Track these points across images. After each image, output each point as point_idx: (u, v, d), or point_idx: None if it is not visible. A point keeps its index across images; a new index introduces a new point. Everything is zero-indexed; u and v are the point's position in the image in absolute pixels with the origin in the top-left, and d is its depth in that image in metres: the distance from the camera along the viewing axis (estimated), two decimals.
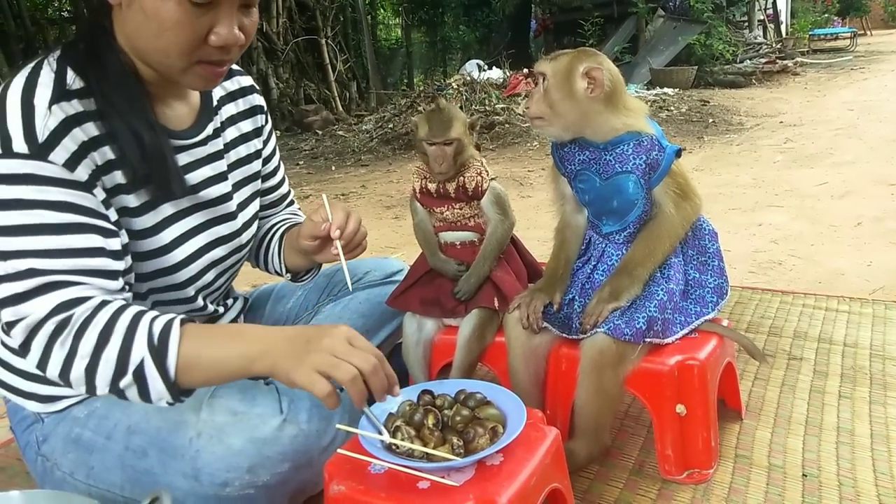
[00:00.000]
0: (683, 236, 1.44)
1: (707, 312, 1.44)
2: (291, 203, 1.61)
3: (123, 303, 1.07)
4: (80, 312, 1.03)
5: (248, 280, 2.49)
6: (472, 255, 1.55)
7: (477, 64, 9.53)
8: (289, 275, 1.49)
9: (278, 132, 7.78)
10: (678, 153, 1.41)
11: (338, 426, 1.13)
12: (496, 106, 7.36)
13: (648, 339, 1.36)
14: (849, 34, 15.52)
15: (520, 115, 7.20)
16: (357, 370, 0.99)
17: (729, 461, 1.45)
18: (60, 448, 1.24)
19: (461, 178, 1.52)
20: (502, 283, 1.53)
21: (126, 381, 1.03)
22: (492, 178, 1.55)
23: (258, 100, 1.44)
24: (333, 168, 6.36)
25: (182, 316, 1.09)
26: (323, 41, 9.64)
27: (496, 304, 1.51)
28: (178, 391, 1.05)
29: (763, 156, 5.16)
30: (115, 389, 1.04)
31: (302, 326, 1.09)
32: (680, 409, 1.37)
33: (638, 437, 1.56)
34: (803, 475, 1.39)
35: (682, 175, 1.42)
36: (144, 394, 1.04)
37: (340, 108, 9.54)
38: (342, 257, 1.28)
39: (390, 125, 7.61)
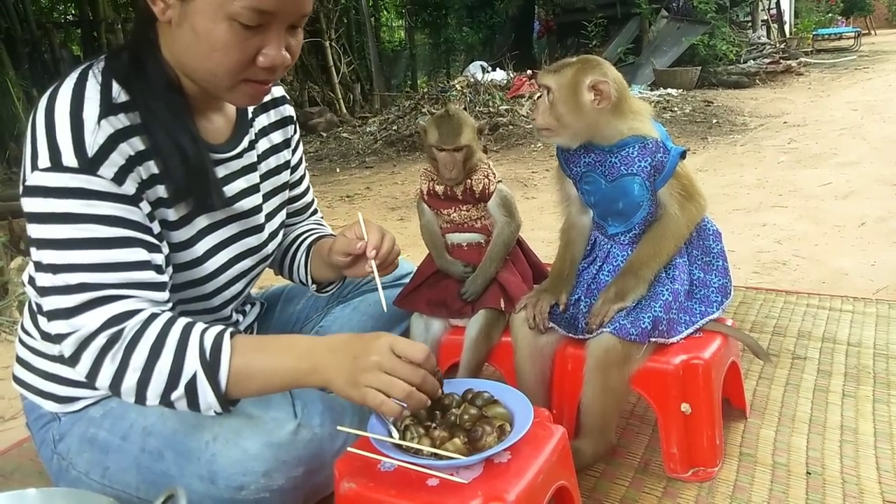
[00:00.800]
0: (688, 237, 1.45)
1: (711, 312, 1.46)
2: (315, 212, 1.62)
3: (171, 314, 1.09)
4: (130, 326, 1.05)
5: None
6: (479, 257, 1.56)
7: (480, 65, 9.55)
8: (314, 286, 1.50)
9: None
10: (682, 155, 1.42)
11: (339, 428, 1.15)
12: (500, 107, 7.38)
13: (653, 339, 1.37)
14: (853, 34, 15.49)
15: (524, 116, 7.21)
16: (409, 385, 1.03)
17: (734, 459, 1.46)
18: (76, 447, 1.26)
19: (468, 180, 1.54)
20: (508, 284, 1.55)
21: (177, 393, 1.06)
22: (498, 181, 1.57)
23: (289, 110, 1.46)
24: (338, 170, 6.39)
25: (231, 329, 1.11)
26: (327, 44, 9.66)
27: (502, 304, 1.52)
28: (228, 402, 1.09)
29: (767, 156, 5.17)
30: (166, 402, 1.07)
31: (346, 338, 1.11)
32: (685, 407, 1.38)
33: (643, 435, 1.58)
34: (807, 473, 1.41)
35: (687, 176, 1.43)
36: (194, 405, 1.08)
37: (344, 111, 9.56)
38: (377, 278, 1.30)
39: (394, 127, 7.64)
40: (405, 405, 1.05)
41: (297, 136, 1.50)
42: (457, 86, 8.05)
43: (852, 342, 1.96)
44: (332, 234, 1.53)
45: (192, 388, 1.06)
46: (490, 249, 1.55)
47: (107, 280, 1.05)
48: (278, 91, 1.45)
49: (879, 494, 1.33)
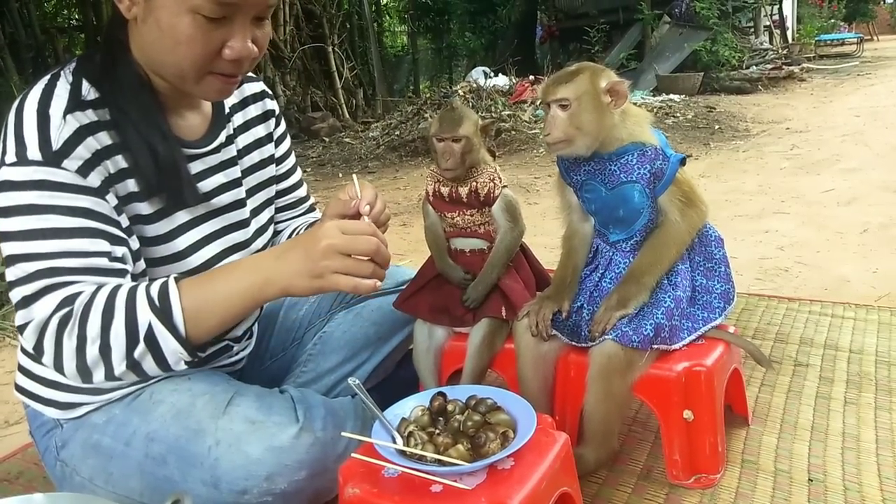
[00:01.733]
0: (690, 243, 1.46)
1: (714, 318, 1.46)
2: (313, 209, 1.63)
3: (117, 284, 1.09)
4: (79, 302, 1.06)
5: None
6: (482, 263, 1.57)
7: (483, 71, 9.58)
8: None
9: None
10: (683, 161, 1.43)
11: (343, 434, 1.16)
12: (502, 113, 7.39)
13: (656, 346, 1.38)
14: (855, 40, 15.51)
15: (526, 122, 7.23)
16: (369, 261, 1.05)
17: (736, 466, 1.47)
18: (80, 454, 1.27)
19: (474, 183, 1.53)
20: (511, 291, 1.55)
21: (140, 349, 1.06)
22: (504, 186, 1.56)
23: (270, 104, 1.47)
24: (341, 175, 6.40)
25: (175, 275, 1.11)
26: (330, 49, 9.69)
27: (503, 313, 1.53)
28: (192, 346, 1.09)
29: (769, 162, 5.17)
30: (132, 363, 1.07)
31: (288, 242, 1.12)
32: (687, 414, 1.39)
33: (646, 442, 1.58)
34: (809, 480, 1.41)
35: (688, 183, 1.44)
36: (160, 359, 1.08)
37: (347, 116, 9.58)
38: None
39: (397, 132, 7.66)
40: (378, 281, 1.06)
41: (280, 130, 1.50)
42: (459, 91, 8.07)
43: (854, 349, 1.96)
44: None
45: (151, 338, 1.06)
46: (492, 255, 1.56)
47: (63, 265, 1.06)
48: (258, 86, 1.46)
49: (881, 502, 1.33)
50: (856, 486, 1.38)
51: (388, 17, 13.97)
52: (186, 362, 1.10)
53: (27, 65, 8.15)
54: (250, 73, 1.43)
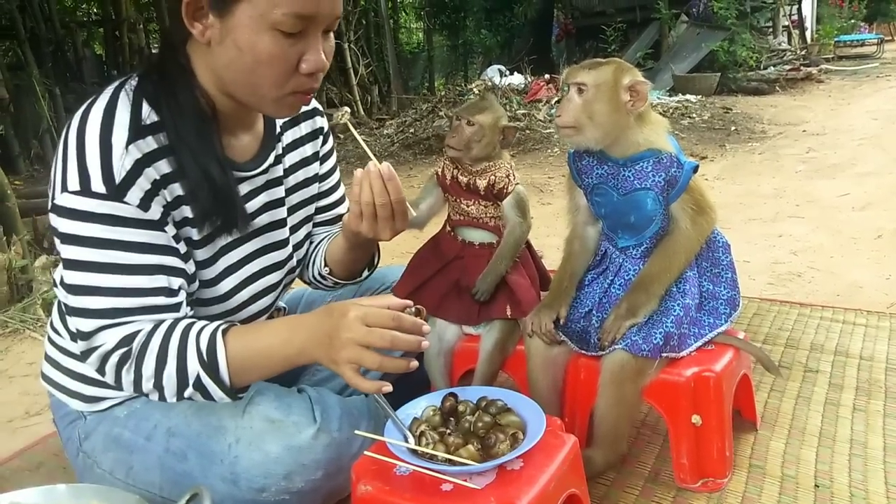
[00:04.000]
0: (699, 251, 1.47)
1: (720, 324, 1.47)
2: None
3: (171, 322, 1.15)
4: (136, 342, 1.13)
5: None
6: (489, 257, 1.57)
7: (498, 69, 9.58)
8: (326, 268, 1.49)
9: None
10: (695, 169, 1.43)
11: (357, 432, 1.19)
12: (517, 112, 7.39)
13: (665, 354, 1.39)
14: (875, 40, 15.31)
15: (541, 121, 7.22)
16: (380, 353, 1.07)
17: (743, 471, 1.48)
18: (101, 446, 1.30)
19: (492, 177, 1.55)
20: (517, 287, 1.55)
21: (189, 391, 1.16)
22: (517, 183, 1.58)
23: (321, 121, 1.48)
24: (356, 172, 6.42)
25: (223, 325, 1.16)
26: (345, 45, 9.72)
27: (508, 312, 1.54)
28: (237, 391, 1.18)
29: (785, 165, 5.15)
30: (183, 398, 1.17)
31: (321, 316, 1.14)
32: (696, 419, 1.40)
33: (654, 445, 1.60)
34: (816, 486, 1.42)
35: (699, 190, 1.44)
36: (208, 397, 1.17)
37: (362, 112, 9.61)
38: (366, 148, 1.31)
39: (411, 130, 7.68)
40: (385, 383, 1.09)
41: (328, 147, 1.51)
42: (474, 89, 8.07)
43: (865, 356, 1.97)
44: None
45: (200, 386, 1.15)
46: (501, 247, 1.56)
47: (124, 305, 1.12)
48: (312, 103, 1.46)
49: None
50: (862, 493, 1.39)
51: (404, 14, 13.97)
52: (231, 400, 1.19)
53: (47, 59, 8.23)
54: None
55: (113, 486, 1.27)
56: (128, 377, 1.14)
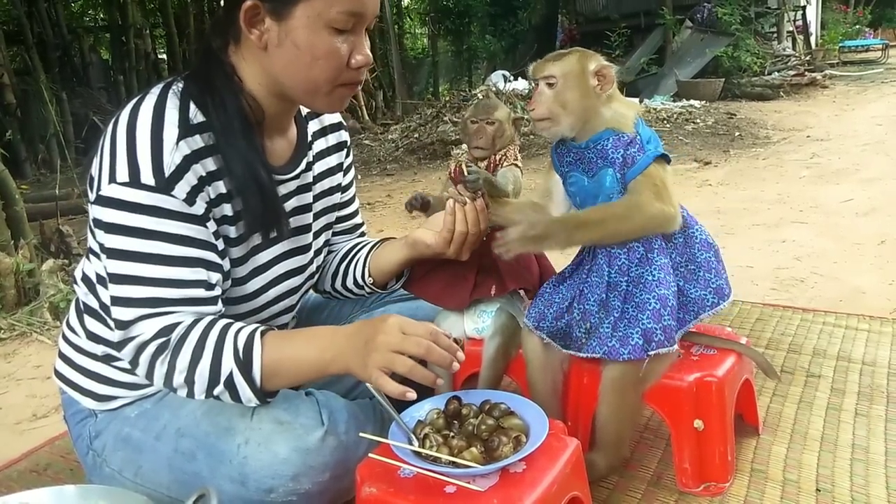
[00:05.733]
0: (644, 231, 1.39)
1: (689, 320, 1.43)
2: (363, 234, 1.68)
3: (211, 318, 1.18)
4: (175, 333, 1.15)
5: None
6: (490, 242, 1.55)
7: (503, 75, 9.61)
8: (370, 279, 1.53)
9: None
10: (667, 160, 1.40)
11: (362, 434, 1.20)
12: (521, 117, 7.40)
13: (653, 352, 1.35)
14: (880, 46, 15.33)
15: None
16: (412, 359, 1.10)
17: (745, 475, 1.49)
18: (111, 445, 1.32)
19: (495, 156, 1.60)
20: (503, 267, 1.54)
21: (219, 389, 1.17)
22: (515, 163, 1.61)
23: (344, 136, 1.54)
24: (359, 177, 6.45)
25: (262, 327, 1.19)
26: None
27: (492, 291, 1.54)
28: (265, 394, 1.19)
29: (789, 171, 5.16)
30: (211, 395, 1.18)
31: (360, 324, 1.20)
32: (698, 423, 1.41)
33: (657, 449, 1.61)
34: (817, 490, 1.43)
35: (661, 179, 1.38)
36: (236, 398, 1.18)
37: (367, 118, 9.65)
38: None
39: (416, 135, 7.71)
40: (409, 389, 1.11)
41: (349, 160, 1.57)
42: (478, 95, 8.09)
43: (867, 361, 1.97)
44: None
45: (231, 384, 1.16)
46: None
47: (165, 296, 1.15)
48: (336, 117, 1.52)
49: None
50: (863, 498, 1.40)
51: (408, 20, 14.03)
52: (257, 404, 1.21)
53: (54, 64, 8.30)
54: None
55: (121, 485, 1.29)
56: (161, 368, 1.15)
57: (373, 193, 5.55)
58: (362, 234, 1.68)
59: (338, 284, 1.59)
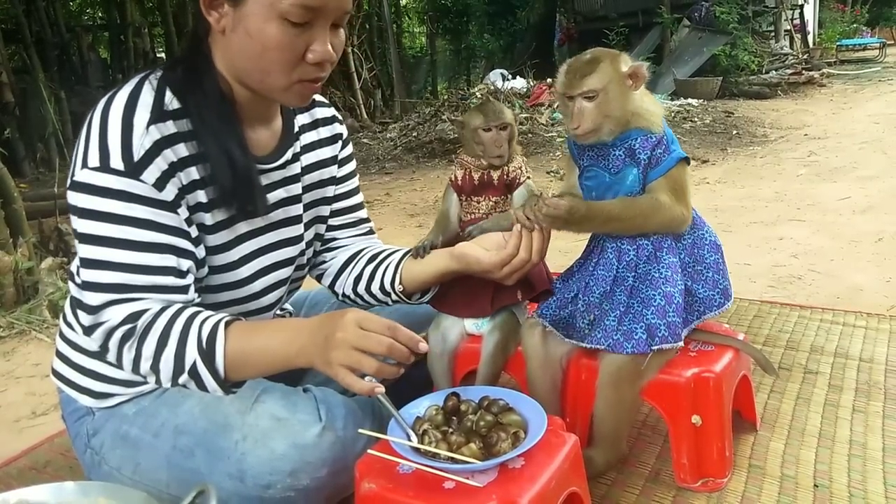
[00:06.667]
0: (660, 229, 1.42)
1: (690, 321, 1.45)
2: (372, 232, 1.65)
3: (179, 307, 1.17)
4: (142, 320, 1.15)
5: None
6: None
7: (501, 73, 9.62)
8: (400, 285, 1.48)
9: None
10: (687, 161, 1.42)
11: (360, 431, 1.20)
12: (520, 115, 7.41)
13: (656, 347, 1.36)
14: (878, 45, 15.35)
15: (543, 124, 7.25)
16: (376, 358, 1.09)
17: (743, 471, 1.49)
18: (109, 443, 1.32)
19: (506, 167, 1.57)
20: (531, 272, 1.54)
21: (184, 378, 1.16)
22: (528, 177, 1.60)
23: (339, 128, 1.53)
24: (358, 176, 6.45)
25: (227, 317, 1.18)
26: (349, 49, 9.77)
27: (520, 295, 1.54)
28: (230, 385, 1.19)
29: (786, 169, 5.17)
30: (177, 384, 1.18)
31: (322, 318, 1.17)
32: (695, 419, 1.42)
33: (654, 445, 1.62)
34: (815, 486, 1.44)
35: (681, 181, 1.41)
36: (202, 387, 1.18)
37: (365, 116, 9.66)
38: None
39: (414, 133, 7.72)
40: (378, 383, 1.11)
41: (346, 152, 1.56)
42: (477, 93, 8.10)
43: (864, 358, 1.98)
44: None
45: (195, 374, 1.16)
46: (514, 206, 1.54)
47: (133, 282, 1.15)
48: (329, 111, 1.52)
49: None
50: (861, 493, 1.41)
51: (407, 19, 14.03)
52: (223, 394, 1.20)
53: (52, 62, 8.28)
54: (322, 98, 1.51)
55: (120, 482, 1.29)
56: (129, 355, 1.16)
57: (371, 192, 5.55)
58: (371, 232, 1.66)
59: (361, 288, 1.53)
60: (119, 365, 1.19)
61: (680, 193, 1.40)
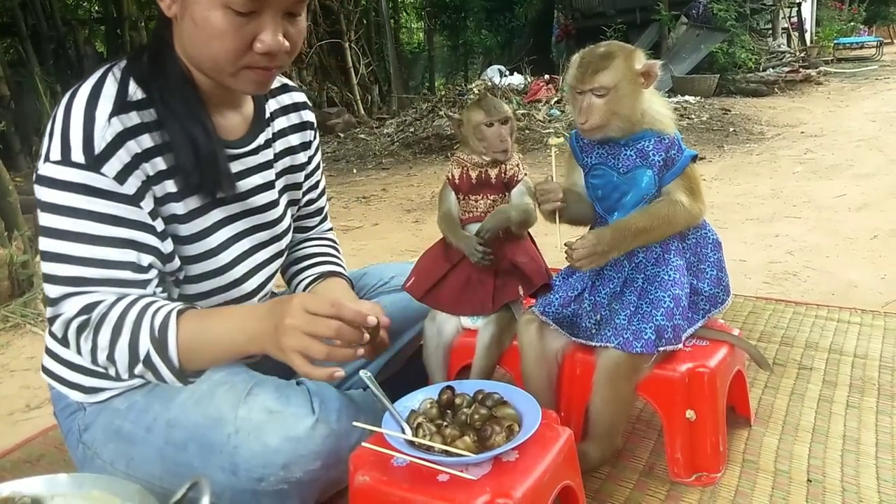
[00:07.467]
0: (682, 230, 1.45)
1: (697, 319, 1.48)
2: (326, 218, 1.67)
3: (134, 296, 1.18)
4: (96, 312, 1.16)
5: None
6: (495, 248, 1.55)
7: (498, 69, 9.61)
8: None
9: None
10: (694, 158, 1.44)
11: (355, 424, 1.20)
12: (517, 112, 7.41)
13: (662, 348, 1.39)
14: (875, 43, 15.35)
15: (540, 121, 7.25)
16: (325, 342, 1.09)
17: (736, 465, 1.50)
18: (101, 438, 1.31)
19: (504, 165, 1.56)
20: (524, 266, 1.56)
21: (140, 368, 1.18)
22: (525, 174, 1.60)
23: (308, 115, 1.53)
24: (355, 171, 6.45)
25: (180, 306, 1.18)
26: (346, 45, 9.75)
27: (521, 290, 1.54)
28: (186, 375, 1.20)
29: (783, 166, 5.17)
30: (134, 374, 1.19)
31: (270, 304, 1.16)
32: (690, 414, 1.42)
33: (649, 440, 1.62)
34: (808, 481, 1.44)
35: (695, 179, 1.44)
36: (159, 377, 1.20)
37: (362, 112, 9.64)
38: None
39: (411, 129, 7.71)
40: (336, 369, 1.11)
41: (316, 142, 1.56)
42: (474, 90, 8.10)
43: (859, 354, 1.98)
44: (342, 272, 1.58)
45: (150, 364, 1.17)
46: (512, 203, 1.56)
47: (89, 275, 1.15)
48: (300, 97, 1.51)
49: (878, 503, 1.36)
50: (854, 488, 1.41)
51: (404, 14, 14.00)
52: (180, 384, 1.21)
53: (48, 56, 8.24)
54: (291, 83, 1.50)
55: (113, 476, 1.29)
56: (86, 345, 1.17)
57: (368, 187, 5.55)
58: (325, 219, 1.67)
59: (291, 286, 1.59)
60: (79, 354, 1.20)
61: (696, 191, 1.43)
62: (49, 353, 1.37)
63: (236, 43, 1.13)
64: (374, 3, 10.71)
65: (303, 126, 1.51)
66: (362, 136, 8.26)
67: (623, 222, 1.41)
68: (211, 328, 1.19)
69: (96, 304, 1.16)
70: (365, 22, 10.44)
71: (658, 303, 1.41)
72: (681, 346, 1.43)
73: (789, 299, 2.50)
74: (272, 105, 1.43)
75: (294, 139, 1.49)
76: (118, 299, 1.16)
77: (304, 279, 1.56)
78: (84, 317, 1.15)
